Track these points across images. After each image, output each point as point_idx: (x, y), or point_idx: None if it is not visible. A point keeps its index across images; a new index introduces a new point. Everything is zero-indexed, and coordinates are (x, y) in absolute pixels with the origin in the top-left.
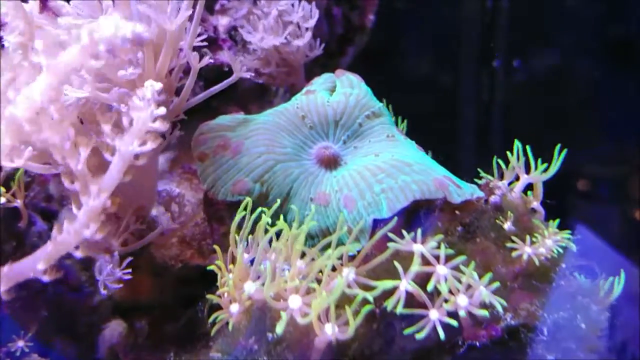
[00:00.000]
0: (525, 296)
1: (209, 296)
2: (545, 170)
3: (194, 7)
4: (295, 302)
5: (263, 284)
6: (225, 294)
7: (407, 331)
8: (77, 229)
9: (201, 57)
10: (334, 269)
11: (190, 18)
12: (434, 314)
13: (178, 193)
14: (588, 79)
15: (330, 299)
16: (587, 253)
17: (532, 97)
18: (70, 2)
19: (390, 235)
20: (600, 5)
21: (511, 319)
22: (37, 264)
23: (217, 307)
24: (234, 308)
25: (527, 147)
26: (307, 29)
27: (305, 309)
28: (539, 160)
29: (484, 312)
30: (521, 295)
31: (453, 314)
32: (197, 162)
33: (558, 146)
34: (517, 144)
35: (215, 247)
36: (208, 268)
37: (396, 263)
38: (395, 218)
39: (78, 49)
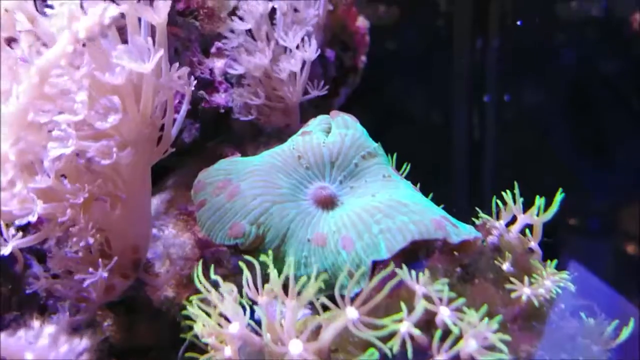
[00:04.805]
0: (526, 337)
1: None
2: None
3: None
4: (296, 347)
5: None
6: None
7: None
8: None
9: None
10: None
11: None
12: None
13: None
14: (580, 115)
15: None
16: (583, 291)
17: (522, 135)
18: None
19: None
20: (590, 43)
21: None
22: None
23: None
24: (228, 352)
25: (538, 197)
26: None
27: (306, 355)
28: (536, 195)
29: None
30: (521, 336)
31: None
32: (196, 209)
33: (559, 193)
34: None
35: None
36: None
37: (402, 304)
38: (392, 263)
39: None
